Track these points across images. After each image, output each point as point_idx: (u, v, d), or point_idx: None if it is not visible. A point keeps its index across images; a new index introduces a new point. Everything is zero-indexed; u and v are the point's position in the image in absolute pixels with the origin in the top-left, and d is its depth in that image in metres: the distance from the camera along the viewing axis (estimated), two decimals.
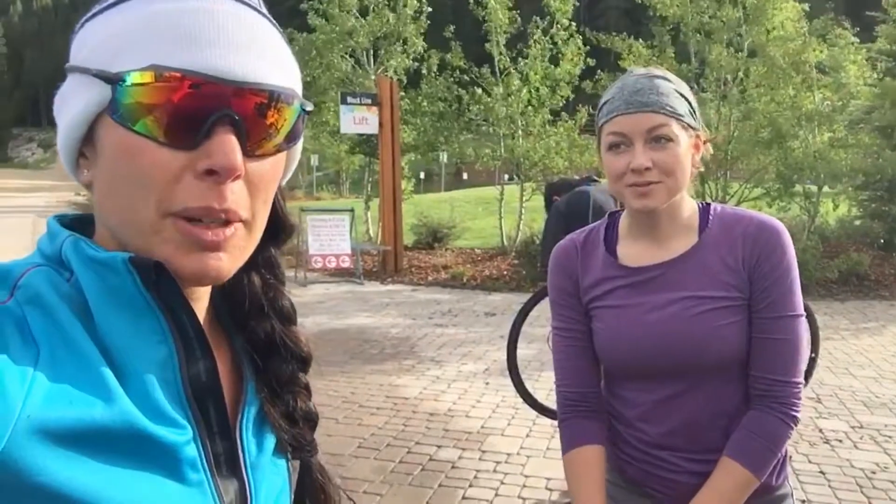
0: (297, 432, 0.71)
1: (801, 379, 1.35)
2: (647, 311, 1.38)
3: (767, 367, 1.33)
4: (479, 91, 12.64)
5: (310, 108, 0.63)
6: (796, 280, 1.35)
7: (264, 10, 0.63)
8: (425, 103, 13.09)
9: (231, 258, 0.59)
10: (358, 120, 11.08)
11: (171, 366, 0.59)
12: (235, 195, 0.57)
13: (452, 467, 4.10)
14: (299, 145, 0.67)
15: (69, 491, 0.50)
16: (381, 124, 11.17)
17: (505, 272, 10.95)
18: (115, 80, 0.55)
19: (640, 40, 12.27)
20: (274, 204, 0.68)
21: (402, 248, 11.85)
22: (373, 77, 13.19)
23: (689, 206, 1.41)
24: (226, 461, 0.63)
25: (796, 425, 1.34)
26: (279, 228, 0.72)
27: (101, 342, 0.56)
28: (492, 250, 12.88)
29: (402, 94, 13.01)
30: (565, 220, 3.43)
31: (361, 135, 12.38)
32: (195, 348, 0.60)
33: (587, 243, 1.49)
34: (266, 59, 0.59)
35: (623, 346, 1.40)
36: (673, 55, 11.93)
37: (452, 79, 12.97)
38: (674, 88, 1.32)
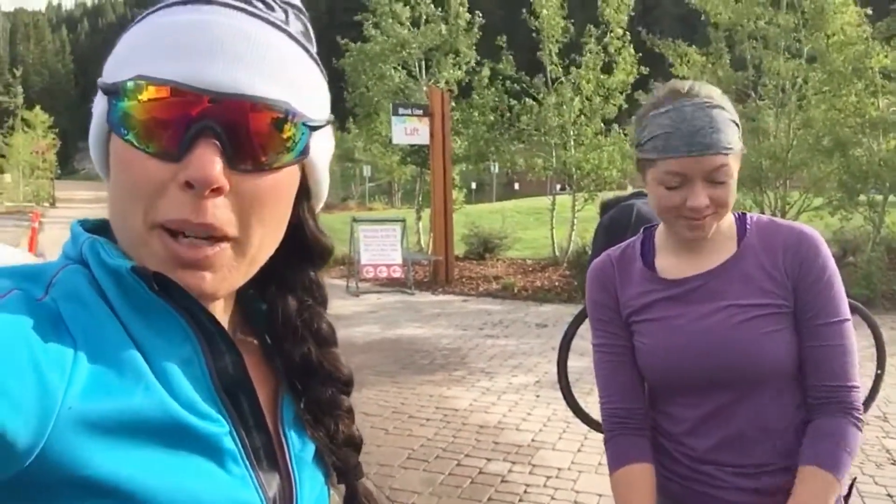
0: (341, 455, 0.71)
1: (858, 382, 1.33)
2: (691, 321, 1.35)
3: (825, 375, 1.31)
4: (531, 101, 12.61)
5: (316, 123, 0.62)
6: (841, 285, 1.34)
7: (291, 29, 0.62)
8: (476, 114, 13.12)
9: (218, 278, 0.58)
10: (409, 131, 11.18)
11: (198, 362, 0.59)
12: (219, 210, 0.56)
13: (502, 481, 4.06)
14: (317, 165, 0.66)
15: (113, 482, 0.50)
16: (432, 135, 11.24)
17: (556, 283, 10.87)
18: (110, 92, 0.56)
19: (695, 47, 12.06)
20: (303, 225, 0.67)
21: (453, 259, 11.88)
22: (424, 88, 13.28)
23: (726, 218, 1.39)
24: (266, 455, 0.63)
25: (862, 428, 1.32)
26: (312, 250, 0.71)
27: (130, 337, 0.56)
28: (543, 261, 12.80)
29: (454, 104, 13.07)
30: (608, 235, 3.38)
31: (413, 145, 12.48)
32: (219, 343, 0.60)
33: (623, 258, 1.47)
34: (264, 72, 0.57)
35: (668, 358, 1.37)
36: (729, 62, 11.68)
37: (503, 88, 12.97)
38: (728, 118, 1.28)
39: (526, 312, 9.16)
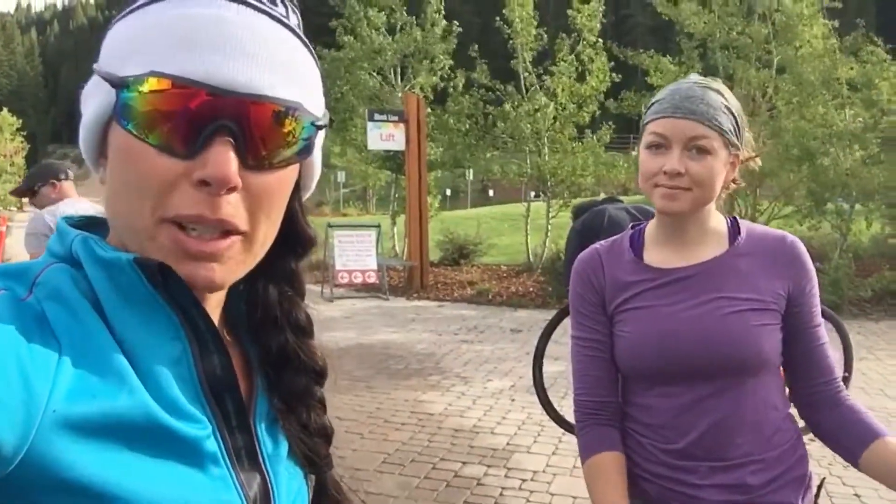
0: (311, 446, 0.71)
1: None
2: (680, 310, 1.37)
3: (820, 371, 1.40)
4: (506, 107, 12.68)
5: (321, 122, 0.62)
6: None
7: (290, 23, 0.62)
8: (452, 120, 13.15)
9: (226, 269, 0.59)
10: (385, 136, 11.18)
11: (186, 362, 0.59)
12: (232, 206, 0.57)
13: (478, 484, 4.07)
14: (314, 160, 0.67)
15: (96, 485, 0.50)
16: (407, 141, 11.26)
17: (531, 289, 10.92)
18: (119, 85, 0.55)
19: (668, 57, 12.22)
20: (293, 216, 0.68)
21: (428, 264, 11.88)
22: (400, 94, 13.29)
23: (717, 217, 1.43)
24: (247, 455, 0.63)
25: None
26: (298, 240, 0.71)
27: (115, 338, 0.56)
28: (518, 267, 12.85)
29: (429, 110, 13.10)
30: (580, 238, 3.42)
31: (388, 151, 12.47)
32: (209, 343, 0.60)
33: (612, 251, 1.49)
34: (277, 71, 0.58)
35: (653, 346, 1.38)
36: (700, 72, 11.85)
37: (479, 96, 13.03)
38: (723, 103, 1.33)
39: (501, 318, 9.19)
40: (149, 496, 0.53)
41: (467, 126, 13.11)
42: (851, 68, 10.58)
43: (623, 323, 1.42)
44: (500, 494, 3.94)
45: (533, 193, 14.89)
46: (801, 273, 1.38)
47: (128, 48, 0.58)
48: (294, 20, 0.63)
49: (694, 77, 1.39)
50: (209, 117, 0.55)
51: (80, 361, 0.52)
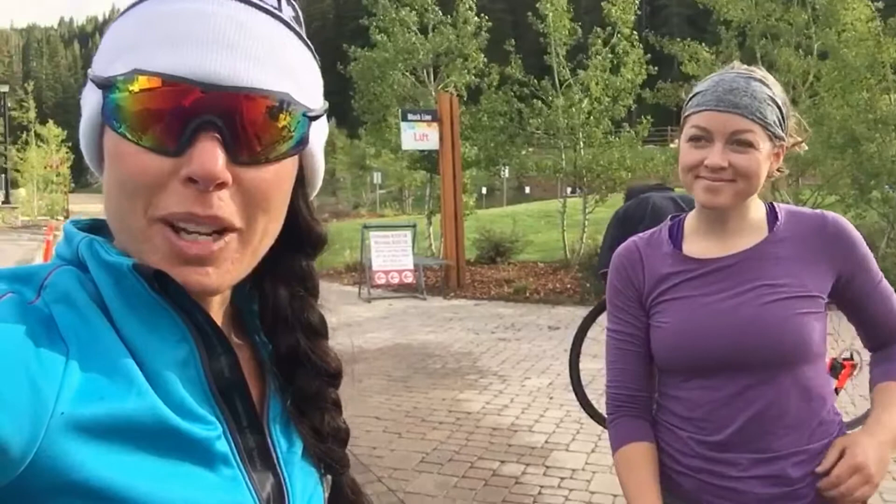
0: (326, 448, 0.70)
1: None
2: (720, 299, 1.35)
3: (883, 322, 1.41)
4: (540, 103, 12.59)
5: (315, 113, 0.61)
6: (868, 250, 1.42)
7: (283, 15, 0.61)
8: (486, 118, 13.11)
9: (221, 272, 0.58)
10: (419, 136, 11.18)
11: (194, 363, 0.58)
12: (224, 202, 0.56)
13: (516, 482, 4.04)
14: (314, 153, 0.65)
15: (105, 487, 0.50)
16: (441, 140, 11.24)
17: (568, 285, 10.83)
18: (105, 86, 0.55)
19: (704, 45, 12.00)
20: (298, 213, 0.67)
21: (465, 263, 11.86)
22: (433, 93, 13.30)
23: (757, 205, 1.41)
24: (259, 455, 0.63)
25: None
26: (306, 239, 0.70)
27: (123, 341, 0.56)
28: (555, 264, 12.76)
29: (463, 109, 13.08)
30: (623, 225, 3.36)
31: (422, 151, 12.48)
32: (215, 345, 0.60)
33: (651, 243, 1.48)
34: (265, 63, 0.57)
35: (691, 337, 1.36)
36: (738, 59, 11.62)
37: (512, 92, 12.96)
38: (768, 94, 1.31)
39: (538, 315, 9.13)
40: (159, 497, 0.53)
41: (501, 123, 13.05)
42: None
43: (661, 314, 1.41)
44: (539, 493, 3.90)
45: (569, 189, 14.77)
46: (847, 249, 1.36)
47: (115, 49, 0.57)
48: (288, 12, 0.62)
49: (737, 66, 1.36)
50: (193, 113, 0.54)
51: (88, 364, 0.52)
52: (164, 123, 0.54)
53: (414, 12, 13.49)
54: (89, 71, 0.59)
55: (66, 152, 37.32)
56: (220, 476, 0.58)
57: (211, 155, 0.54)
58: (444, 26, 13.68)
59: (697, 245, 1.42)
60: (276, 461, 0.64)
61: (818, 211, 1.42)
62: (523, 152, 13.80)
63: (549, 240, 14.82)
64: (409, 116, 11.28)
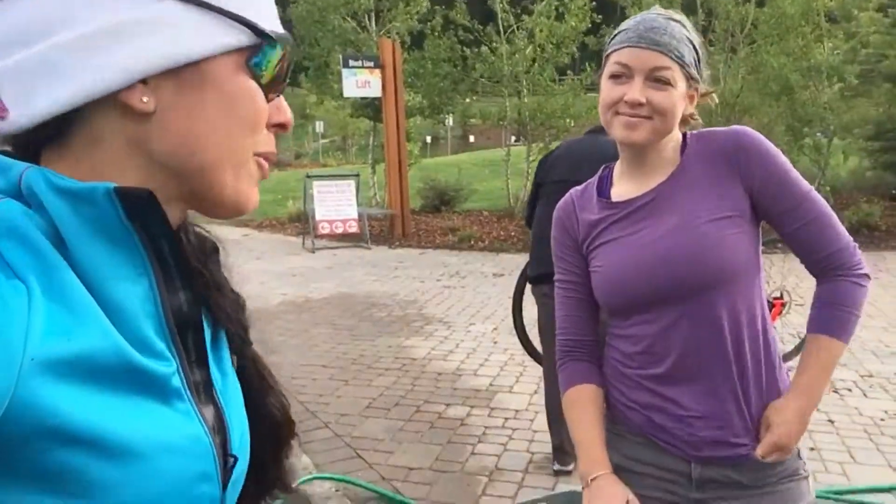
0: (237, 318, 0.72)
1: (849, 239, 1.39)
2: (642, 237, 1.39)
3: (817, 247, 1.37)
4: (485, 49, 12.47)
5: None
6: (790, 164, 1.39)
7: None
8: (430, 64, 12.93)
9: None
10: (360, 83, 10.97)
11: (152, 298, 0.58)
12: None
13: (461, 424, 4.13)
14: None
15: (82, 428, 0.50)
16: (384, 87, 11.07)
17: (513, 233, 10.94)
18: (266, 37, 0.62)
19: None
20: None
21: (409, 212, 11.83)
22: (375, 39, 13.03)
23: (675, 140, 1.43)
24: (204, 389, 0.64)
25: (869, 281, 1.39)
26: None
27: (80, 275, 0.53)
28: (499, 212, 12.84)
29: (406, 56, 12.86)
30: (552, 168, 3.41)
31: (364, 98, 12.28)
32: (175, 278, 0.60)
33: (584, 195, 1.53)
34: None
35: (620, 276, 1.40)
36: (679, 6, 11.70)
37: (456, 38, 12.79)
38: (686, 35, 1.35)
39: (483, 263, 9.22)
40: (129, 436, 0.53)
41: (445, 69, 12.90)
42: (831, 0, 10.48)
43: (595, 259, 1.46)
44: (483, 433, 4.00)
45: (514, 138, 14.79)
46: (750, 160, 1.35)
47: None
48: None
49: (657, 8, 1.39)
50: (286, 72, 0.66)
51: (49, 303, 0.50)
52: (280, 79, 0.65)
53: None
54: (240, 14, 0.60)
55: None
56: (176, 410, 0.58)
57: (287, 107, 0.67)
58: None
59: (622, 187, 1.45)
60: (215, 393, 0.65)
61: (729, 128, 1.42)
62: (467, 100, 13.70)
63: (493, 188, 14.86)
64: (351, 63, 11.04)
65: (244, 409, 0.71)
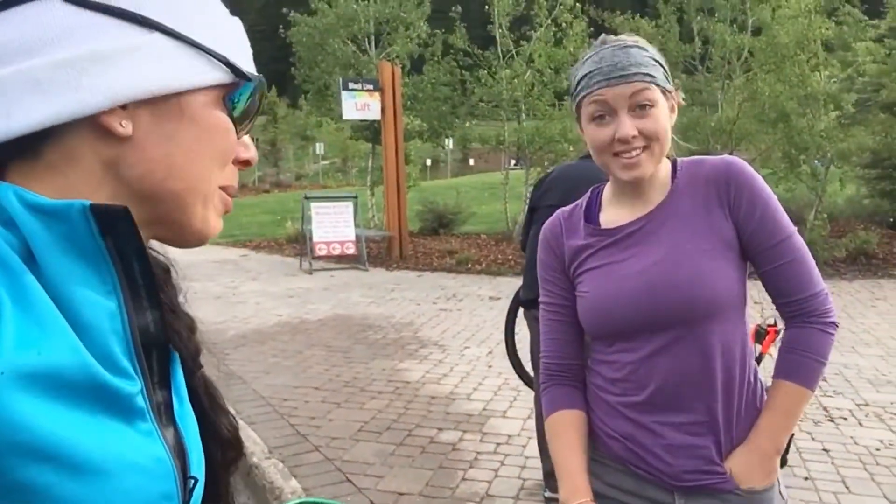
0: (189, 340, 0.73)
1: (823, 287, 1.37)
2: (629, 265, 1.38)
3: (789, 290, 1.36)
4: (485, 73, 12.56)
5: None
6: (778, 203, 1.38)
7: None
8: (429, 87, 13.01)
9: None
10: (360, 106, 11.04)
11: (120, 317, 0.58)
12: None
13: (453, 449, 4.09)
14: None
15: (52, 444, 0.49)
16: (383, 110, 11.13)
17: (510, 256, 10.93)
18: (246, 77, 0.66)
19: (646, 19, 12.16)
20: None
21: (407, 234, 11.84)
22: (374, 62, 13.12)
23: (665, 166, 1.42)
24: (164, 410, 0.64)
25: (836, 330, 1.38)
26: None
27: (49, 291, 0.54)
28: (497, 235, 12.85)
29: (406, 79, 12.95)
30: (549, 191, 3.42)
31: (364, 121, 12.34)
32: (143, 297, 0.60)
33: (571, 218, 1.51)
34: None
35: (607, 304, 1.39)
36: (678, 34, 11.82)
37: (455, 62, 12.89)
38: (648, 56, 1.34)
39: (479, 286, 9.20)
40: (97, 455, 0.52)
41: (445, 93, 12.98)
42: (827, 29, 10.57)
43: (581, 284, 1.45)
44: (475, 458, 3.96)
45: (513, 162, 14.86)
46: (738, 193, 1.34)
47: (222, 36, 0.65)
48: None
49: (609, 39, 1.37)
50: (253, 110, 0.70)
51: (19, 317, 0.50)
52: (248, 116, 0.69)
53: None
54: (169, 28, 0.61)
55: None
56: (138, 431, 0.58)
57: (251, 144, 0.71)
58: None
59: (611, 213, 1.44)
60: (173, 415, 0.65)
61: (720, 157, 1.42)
62: (467, 124, 13.77)
63: (492, 211, 14.90)
64: (350, 85, 11.11)
65: (198, 430, 0.71)
